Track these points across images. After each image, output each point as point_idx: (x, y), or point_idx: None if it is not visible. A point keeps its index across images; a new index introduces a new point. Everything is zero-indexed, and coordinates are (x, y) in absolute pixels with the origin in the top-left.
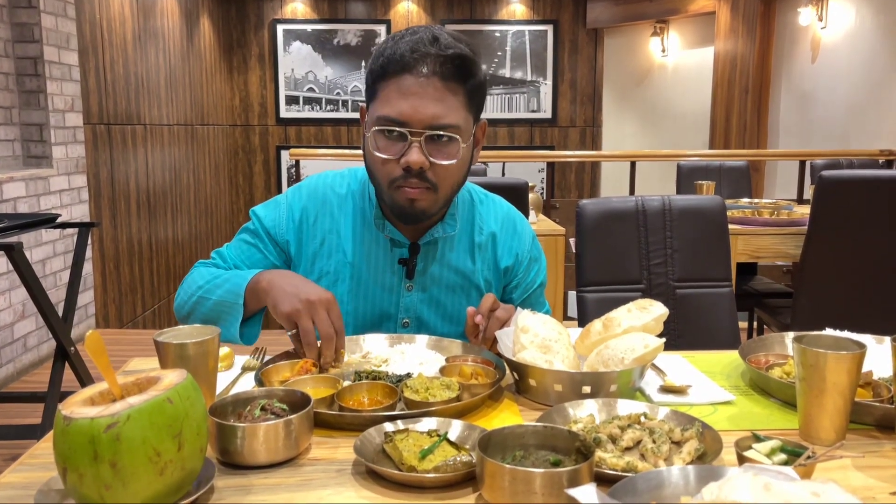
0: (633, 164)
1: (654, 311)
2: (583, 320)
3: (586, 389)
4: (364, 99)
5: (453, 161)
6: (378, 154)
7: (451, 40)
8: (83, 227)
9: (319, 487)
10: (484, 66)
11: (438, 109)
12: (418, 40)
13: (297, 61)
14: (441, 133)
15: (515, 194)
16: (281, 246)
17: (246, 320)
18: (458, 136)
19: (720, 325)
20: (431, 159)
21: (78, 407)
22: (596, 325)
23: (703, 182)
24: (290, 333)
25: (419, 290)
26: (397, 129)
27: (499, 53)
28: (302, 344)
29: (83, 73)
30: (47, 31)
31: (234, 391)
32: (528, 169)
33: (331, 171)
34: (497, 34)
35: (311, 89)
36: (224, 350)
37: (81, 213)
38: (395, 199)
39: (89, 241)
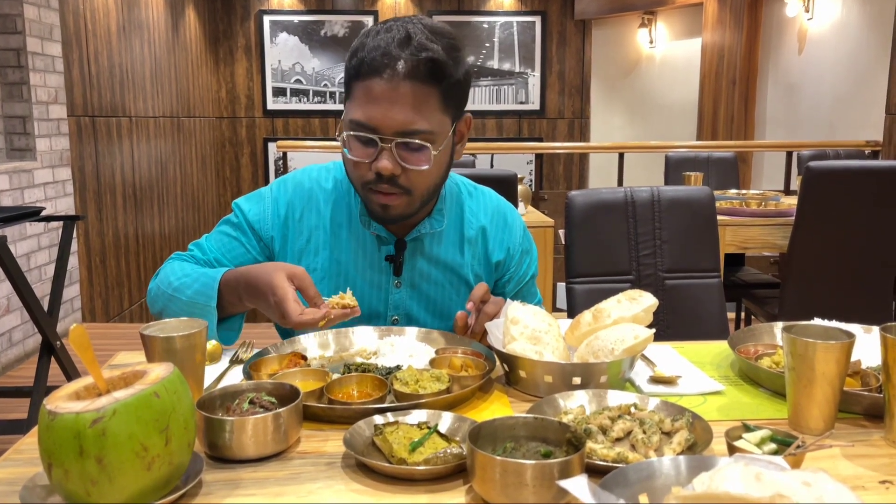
0: (621, 156)
1: (643, 302)
2: (572, 312)
3: (576, 380)
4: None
5: (425, 167)
6: (351, 157)
7: (426, 40)
8: (68, 221)
9: (309, 481)
10: (471, 58)
11: (409, 115)
12: (390, 40)
13: (284, 53)
14: (410, 141)
15: (504, 186)
16: (265, 241)
17: (224, 319)
18: (429, 143)
19: (709, 316)
20: (403, 164)
21: (63, 402)
22: (586, 315)
23: (691, 173)
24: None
25: (408, 286)
26: (367, 134)
27: (487, 45)
28: (310, 322)
29: (67, 64)
30: (30, 22)
31: (221, 385)
32: (517, 161)
33: (316, 165)
34: (485, 25)
35: (298, 81)
36: (211, 343)
37: (66, 206)
38: (369, 201)
39: (74, 235)
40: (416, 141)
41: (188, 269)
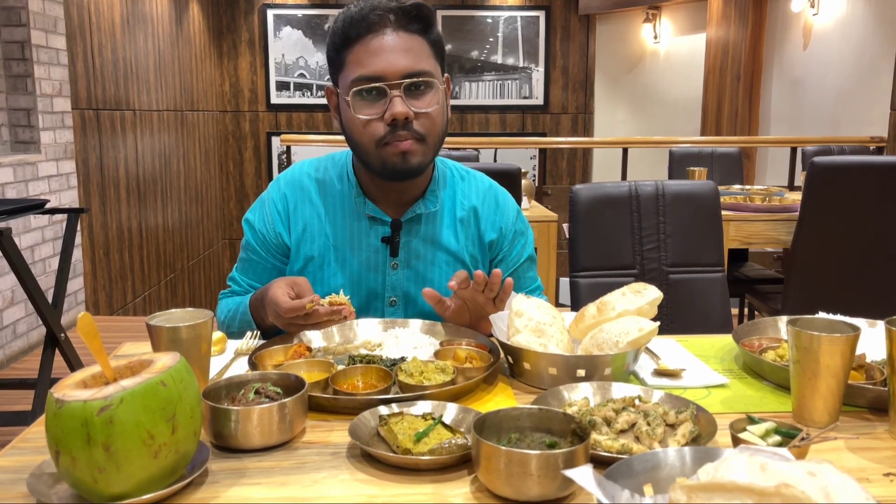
0: (625, 151)
1: (648, 295)
2: (576, 306)
3: (581, 373)
4: (329, 81)
5: (435, 107)
6: (360, 116)
7: None
8: (72, 214)
9: (314, 470)
10: (475, 52)
11: (410, 59)
12: (375, 1)
13: (288, 47)
14: (418, 81)
15: (508, 180)
16: (276, 242)
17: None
18: (434, 81)
19: (712, 310)
20: (414, 109)
21: (70, 390)
22: (590, 308)
23: (695, 168)
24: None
25: (404, 267)
26: (375, 84)
27: (490, 39)
28: (325, 320)
29: (71, 57)
30: (34, 15)
31: (227, 375)
32: (520, 155)
33: (307, 160)
34: (489, 20)
35: (301, 75)
36: (217, 334)
37: (70, 199)
38: (386, 157)
39: (78, 228)
40: (423, 80)
41: (230, 305)
